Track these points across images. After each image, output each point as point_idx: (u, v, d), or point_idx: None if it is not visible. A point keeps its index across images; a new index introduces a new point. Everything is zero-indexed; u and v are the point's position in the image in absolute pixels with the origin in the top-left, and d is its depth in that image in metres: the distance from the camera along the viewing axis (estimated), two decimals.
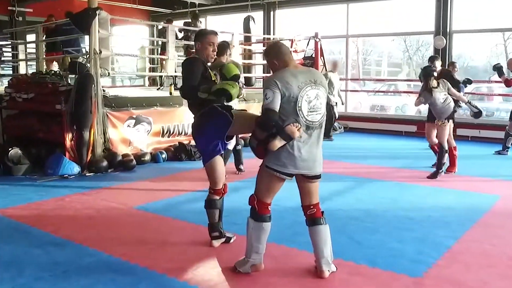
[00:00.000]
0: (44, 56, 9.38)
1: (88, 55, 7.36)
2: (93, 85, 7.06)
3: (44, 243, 4.29)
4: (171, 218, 5.06)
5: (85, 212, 5.25)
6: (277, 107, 3.34)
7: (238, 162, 7.20)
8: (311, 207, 3.86)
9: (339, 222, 4.94)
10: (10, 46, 13.12)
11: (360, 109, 14.35)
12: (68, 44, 9.10)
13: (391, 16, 14.77)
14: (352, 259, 3.97)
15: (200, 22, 13.09)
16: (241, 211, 5.31)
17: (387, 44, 19.33)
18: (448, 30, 11.44)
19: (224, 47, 6.13)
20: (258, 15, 13.75)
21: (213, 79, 4.18)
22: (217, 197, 4.36)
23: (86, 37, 9.01)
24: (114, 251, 4.05)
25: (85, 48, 8.68)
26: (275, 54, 3.53)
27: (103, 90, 7.56)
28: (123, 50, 12.33)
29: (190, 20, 12.78)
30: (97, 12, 7.17)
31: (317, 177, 3.79)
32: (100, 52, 7.30)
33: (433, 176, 7.01)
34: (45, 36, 11.12)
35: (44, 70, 8.75)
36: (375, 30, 14.10)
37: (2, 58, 13.66)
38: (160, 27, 12.91)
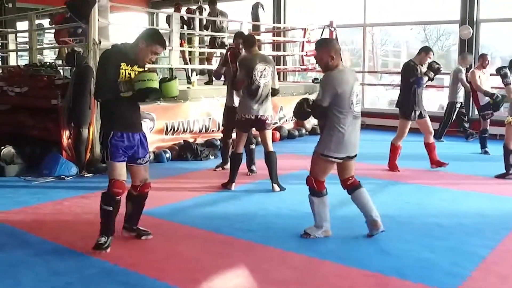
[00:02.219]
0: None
1: (87, 46, 7.31)
2: (92, 78, 7.02)
3: (42, 251, 4.25)
4: (180, 224, 5.02)
5: (85, 217, 5.21)
6: (326, 103, 4.38)
7: (250, 162, 7.16)
8: (350, 178, 4.71)
9: (364, 229, 4.87)
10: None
11: (378, 104, 14.25)
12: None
13: (409, 4, 14.66)
14: (380, 270, 3.91)
15: (205, 9, 13.05)
16: (256, 216, 5.30)
17: (404, 34, 19.16)
18: (475, 19, 11.35)
19: (253, 42, 6.32)
20: (268, 2, 13.67)
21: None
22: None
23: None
24: (119, 261, 4.01)
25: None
26: (335, 51, 4.39)
27: None
28: (122, 39, 12.24)
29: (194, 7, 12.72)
30: None
31: (356, 155, 4.70)
32: (100, 42, 7.25)
33: (502, 176, 7.11)
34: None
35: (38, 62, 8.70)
36: (392, 18, 13.97)
37: None
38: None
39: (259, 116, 6.14)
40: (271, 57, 6.46)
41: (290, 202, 5.84)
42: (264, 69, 6.12)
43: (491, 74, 9.19)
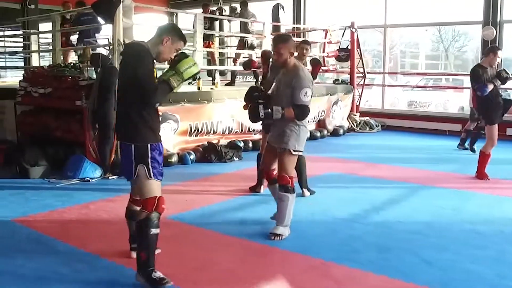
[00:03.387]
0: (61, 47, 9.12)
1: (111, 47, 7.06)
2: (117, 79, 6.77)
3: (72, 259, 4.00)
4: (211, 230, 4.74)
5: (113, 223, 4.95)
6: None
7: None
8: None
9: (401, 237, 4.61)
10: (21, 36, 12.88)
11: (397, 105, 13.91)
12: (87, 35, 8.80)
13: (424, 4, 14.33)
14: (427, 283, 3.62)
15: (225, 10, 12.80)
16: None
17: (418, 35, 18.79)
18: (498, 19, 10.97)
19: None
20: (288, 3, 13.38)
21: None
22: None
23: (103, 27, 8.82)
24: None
25: (107, 38, 8.37)
26: (294, 47, 4.53)
27: None
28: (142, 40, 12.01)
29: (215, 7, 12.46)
30: None
31: None
32: (124, 43, 7.00)
33: None
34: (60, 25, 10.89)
35: (61, 62, 8.49)
36: (407, 20, 13.60)
37: (10, 49, 13.42)
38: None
39: None
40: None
41: (322, 206, 5.56)
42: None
43: None
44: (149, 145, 3.47)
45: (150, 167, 3.47)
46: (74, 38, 9.61)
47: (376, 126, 11.93)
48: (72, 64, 7.82)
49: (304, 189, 5.96)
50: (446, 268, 3.91)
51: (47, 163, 6.95)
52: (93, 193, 6.06)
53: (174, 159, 7.63)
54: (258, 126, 7.63)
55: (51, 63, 9.04)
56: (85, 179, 6.64)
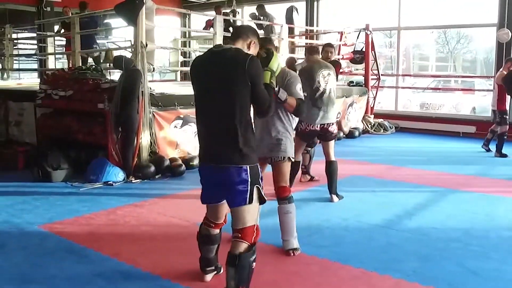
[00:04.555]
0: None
1: (134, 49, 6.83)
2: (141, 82, 6.54)
3: (108, 270, 3.76)
4: None
5: (143, 230, 4.71)
6: None
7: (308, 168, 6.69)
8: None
9: (440, 245, 4.36)
10: (37, 39, 12.67)
11: (410, 107, 13.65)
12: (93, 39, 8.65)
13: (436, 7, 14.11)
14: None
15: (238, 12, 12.58)
16: (321, 229, 4.77)
17: (424, 37, 18.55)
18: None
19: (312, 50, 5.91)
20: (301, 5, 13.14)
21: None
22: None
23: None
24: (194, 284, 3.50)
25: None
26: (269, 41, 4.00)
27: (149, 87, 7.01)
28: (159, 42, 11.82)
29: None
30: (144, 1, 6.64)
31: None
32: (146, 45, 6.78)
33: None
34: (63, 30, 10.73)
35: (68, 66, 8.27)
36: (414, 22, 13.34)
37: (23, 51, 13.22)
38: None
39: (324, 126, 5.56)
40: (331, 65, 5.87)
41: (354, 212, 5.31)
42: (328, 74, 5.56)
43: None
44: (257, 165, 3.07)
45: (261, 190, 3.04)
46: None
47: (390, 128, 11.67)
48: (93, 66, 7.57)
49: (333, 195, 5.71)
50: (494, 279, 3.67)
51: (69, 166, 6.72)
52: (118, 198, 5.82)
53: (196, 162, 7.36)
54: None
55: (69, 66, 8.83)
56: (108, 182, 6.40)
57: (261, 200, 3.05)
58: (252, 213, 3.01)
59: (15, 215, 5.14)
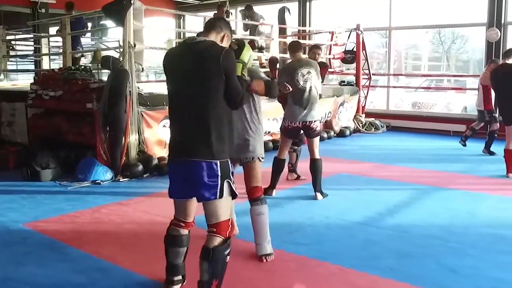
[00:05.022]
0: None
1: (122, 49, 6.81)
2: (128, 82, 6.53)
3: (87, 267, 3.75)
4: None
5: (126, 228, 4.71)
6: None
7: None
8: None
9: (420, 242, 4.36)
10: (32, 40, 12.65)
11: (402, 106, 13.64)
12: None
13: (428, 7, 14.10)
14: None
15: (231, 13, 12.54)
16: (303, 226, 4.76)
17: (418, 37, 18.55)
18: (502, 21, 10.69)
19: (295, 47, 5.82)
20: (293, 6, 13.12)
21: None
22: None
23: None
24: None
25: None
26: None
27: (137, 87, 7.00)
28: (150, 43, 11.80)
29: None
30: (131, 1, 6.62)
31: None
32: (134, 45, 6.76)
33: None
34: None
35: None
36: (407, 22, 13.33)
37: (19, 52, 13.18)
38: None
39: (306, 123, 5.57)
40: (315, 62, 5.85)
41: (337, 210, 5.30)
42: (308, 72, 5.56)
43: None
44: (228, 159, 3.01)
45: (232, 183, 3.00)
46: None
47: (382, 127, 11.66)
48: (82, 67, 7.56)
49: (317, 193, 5.70)
50: (471, 276, 3.65)
51: (58, 166, 6.72)
52: (104, 196, 5.81)
53: None
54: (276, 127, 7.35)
55: (61, 66, 8.81)
56: (96, 181, 6.39)
57: (233, 195, 3.01)
58: (224, 208, 2.98)
59: (1, 213, 5.13)
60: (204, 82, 2.86)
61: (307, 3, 13.35)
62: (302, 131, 5.71)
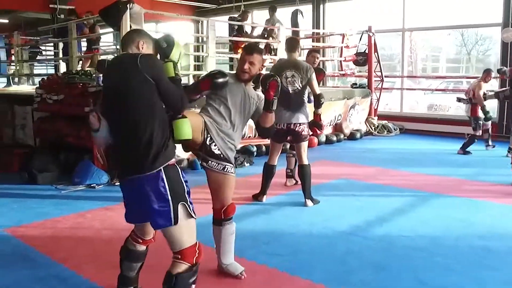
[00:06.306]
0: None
1: (118, 53, 6.67)
2: None
3: (48, 275, 3.58)
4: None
5: (103, 234, 4.52)
6: None
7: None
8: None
9: (402, 254, 4.03)
10: (52, 45, 12.72)
11: (417, 108, 13.16)
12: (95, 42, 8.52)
13: (447, 9, 13.57)
14: None
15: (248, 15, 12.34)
16: (284, 235, 4.48)
17: (441, 38, 17.93)
18: None
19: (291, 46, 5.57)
20: (307, 9, 12.82)
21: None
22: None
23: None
24: None
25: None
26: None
27: None
28: None
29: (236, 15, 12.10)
30: (128, 6, 6.47)
31: None
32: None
33: None
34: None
35: (79, 69, 8.17)
36: (429, 23, 12.86)
37: (40, 57, 13.28)
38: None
39: (291, 126, 5.29)
40: (306, 64, 5.52)
41: (324, 217, 5.01)
42: (292, 76, 5.30)
43: None
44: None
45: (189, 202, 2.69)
46: None
47: (394, 129, 11.25)
48: (83, 71, 7.45)
49: (307, 199, 5.41)
50: None
51: (57, 169, 6.61)
52: (93, 201, 5.65)
53: (184, 164, 7.18)
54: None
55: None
56: (92, 185, 6.25)
57: (192, 216, 2.70)
58: (186, 232, 2.67)
59: None
60: (131, 92, 2.59)
61: (321, 6, 13.02)
62: (289, 137, 5.44)
